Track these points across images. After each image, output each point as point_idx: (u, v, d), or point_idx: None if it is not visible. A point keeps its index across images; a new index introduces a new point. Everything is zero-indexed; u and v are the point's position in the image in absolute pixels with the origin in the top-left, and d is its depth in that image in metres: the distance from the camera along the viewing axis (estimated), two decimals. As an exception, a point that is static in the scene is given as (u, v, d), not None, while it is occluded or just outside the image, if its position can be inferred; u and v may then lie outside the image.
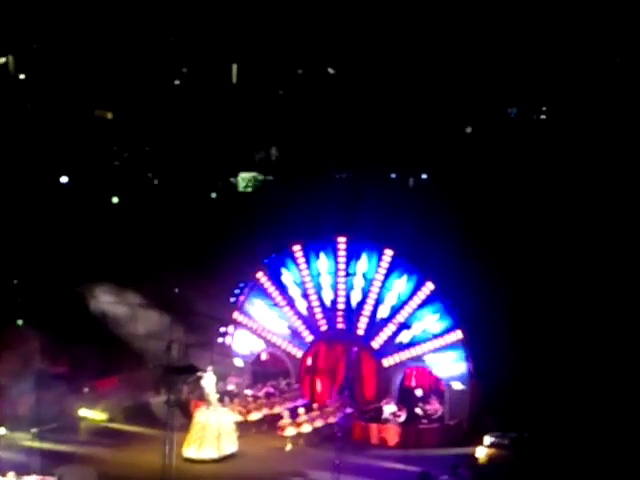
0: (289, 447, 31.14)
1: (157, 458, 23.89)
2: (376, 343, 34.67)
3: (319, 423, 32.31)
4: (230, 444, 31.10)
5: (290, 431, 31.47)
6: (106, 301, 33.06)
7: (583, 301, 33.79)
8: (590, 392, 31.29)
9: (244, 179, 48.66)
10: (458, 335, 33.31)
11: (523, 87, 41.21)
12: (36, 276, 36.16)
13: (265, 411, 33.55)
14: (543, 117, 40.51)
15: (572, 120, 36.90)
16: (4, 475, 24.80)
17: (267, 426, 33.06)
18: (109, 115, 38.14)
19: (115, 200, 37.76)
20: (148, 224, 36.75)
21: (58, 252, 36.28)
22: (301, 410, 32.43)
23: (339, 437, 29.77)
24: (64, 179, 37.55)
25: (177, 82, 43.29)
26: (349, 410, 32.58)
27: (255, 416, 33.05)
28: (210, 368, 31.28)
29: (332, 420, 32.38)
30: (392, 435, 32.57)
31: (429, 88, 40.06)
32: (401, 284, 34.33)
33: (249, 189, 45.50)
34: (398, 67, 39.97)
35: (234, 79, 41.80)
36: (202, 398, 31.96)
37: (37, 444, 30.31)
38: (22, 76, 37.34)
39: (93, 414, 33.22)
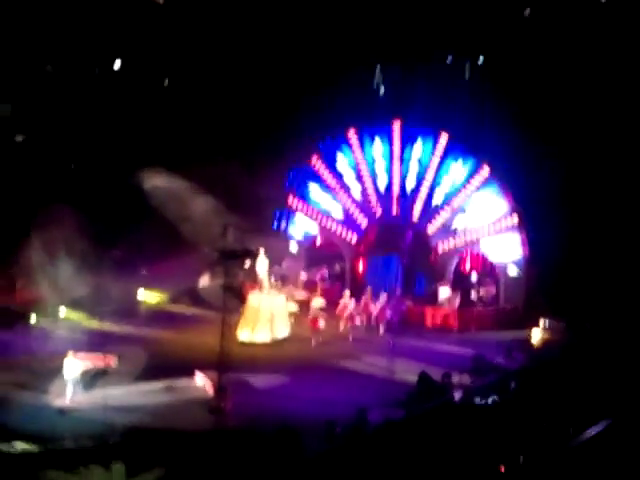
0: (314, 342, 30.64)
1: (213, 340, 23.88)
2: (431, 228, 34.27)
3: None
4: (283, 328, 31.10)
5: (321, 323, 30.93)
6: (162, 186, 32.85)
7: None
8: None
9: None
10: (514, 220, 32.78)
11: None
12: (90, 161, 35.99)
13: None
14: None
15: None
16: (64, 354, 25.11)
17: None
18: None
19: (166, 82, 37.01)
20: (203, 106, 36.10)
21: (111, 137, 35.98)
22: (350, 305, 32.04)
23: (394, 321, 29.68)
24: (117, 64, 36.93)
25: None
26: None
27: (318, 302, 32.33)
28: (262, 251, 31.07)
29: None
30: (447, 319, 32.45)
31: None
32: (457, 168, 33.72)
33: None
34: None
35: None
36: (256, 282, 31.93)
37: (97, 325, 30.69)
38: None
39: (151, 296, 33.51)
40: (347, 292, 32.59)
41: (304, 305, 32.62)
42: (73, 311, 31.34)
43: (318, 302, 31.61)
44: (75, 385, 24.87)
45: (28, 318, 30.51)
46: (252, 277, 32.14)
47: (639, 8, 33.59)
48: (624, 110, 32.98)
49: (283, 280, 33.55)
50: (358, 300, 32.27)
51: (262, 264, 31.29)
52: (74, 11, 35.69)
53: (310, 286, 33.93)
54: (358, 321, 31.77)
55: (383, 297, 31.93)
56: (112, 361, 26.00)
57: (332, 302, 32.37)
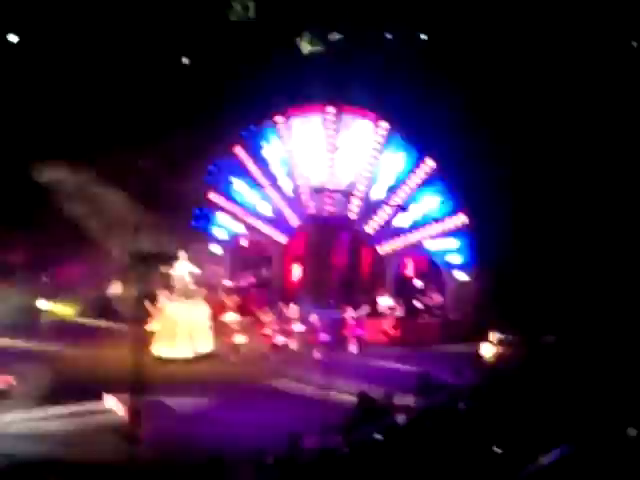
0: (232, 359, 30.81)
1: (126, 356, 23.94)
2: (370, 228, 34.64)
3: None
4: (205, 342, 31.14)
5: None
6: (65, 179, 32.72)
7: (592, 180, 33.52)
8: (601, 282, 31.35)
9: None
10: (462, 219, 33.30)
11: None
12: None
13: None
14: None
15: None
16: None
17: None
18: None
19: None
20: (114, 89, 35.93)
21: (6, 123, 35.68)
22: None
23: (329, 339, 30.11)
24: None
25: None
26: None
27: (231, 317, 32.38)
28: (181, 255, 31.14)
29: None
30: (388, 332, 32.85)
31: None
32: (398, 161, 34.12)
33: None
34: None
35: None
36: (173, 290, 31.91)
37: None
38: None
39: (53, 307, 33.36)
40: (263, 311, 32.47)
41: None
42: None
43: (231, 316, 31.73)
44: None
45: None
46: (168, 284, 32.04)
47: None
48: (575, 103, 33.73)
49: (206, 287, 33.60)
50: (280, 317, 32.16)
51: (181, 269, 31.30)
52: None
53: (236, 294, 33.91)
54: (280, 341, 31.60)
55: (314, 317, 31.84)
56: (9, 382, 25.90)
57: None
